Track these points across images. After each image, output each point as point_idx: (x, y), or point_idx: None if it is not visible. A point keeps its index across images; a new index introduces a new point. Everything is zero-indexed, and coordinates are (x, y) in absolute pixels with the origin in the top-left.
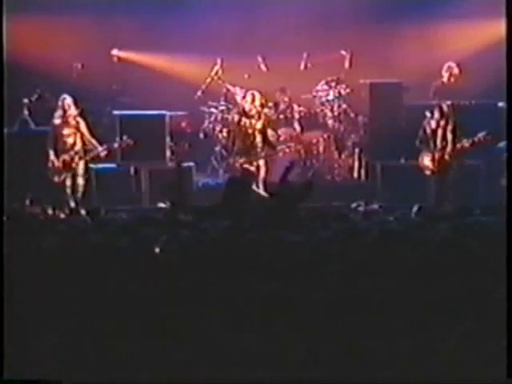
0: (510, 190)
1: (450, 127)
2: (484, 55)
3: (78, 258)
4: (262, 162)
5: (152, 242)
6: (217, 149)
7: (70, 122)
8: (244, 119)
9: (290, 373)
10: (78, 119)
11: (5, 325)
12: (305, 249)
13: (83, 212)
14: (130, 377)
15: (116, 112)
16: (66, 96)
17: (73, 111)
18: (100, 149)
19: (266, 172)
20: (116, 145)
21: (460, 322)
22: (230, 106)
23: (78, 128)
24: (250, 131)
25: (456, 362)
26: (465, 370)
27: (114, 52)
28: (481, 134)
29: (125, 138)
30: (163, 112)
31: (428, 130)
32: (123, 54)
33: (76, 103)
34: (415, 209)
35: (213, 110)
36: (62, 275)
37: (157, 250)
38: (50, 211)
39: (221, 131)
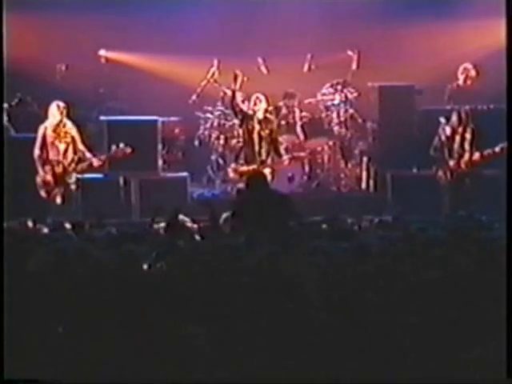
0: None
1: (467, 134)
2: (503, 56)
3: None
4: (267, 171)
5: (142, 259)
6: (213, 157)
7: (62, 130)
8: (249, 124)
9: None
10: (71, 126)
11: (5, 325)
12: (308, 266)
13: (67, 226)
14: (130, 377)
15: (103, 118)
16: (57, 101)
17: (65, 118)
18: (92, 157)
19: (272, 181)
20: (112, 152)
21: (460, 323)
22: (227, 111)
23: (71, 136)
24: (254, 137)
25: (456, 362)
26: (465, 370)
27: (102, 52)
28: (500, 146)
29: (121, 145)
30: (155, 118)
31: (443, 138)
32: (111, 55)
33: (68, 109)
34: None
35: (209, 115)
36: (54, 283)
37: (145, 266)
38: (30, 224)
39: (217, 138)
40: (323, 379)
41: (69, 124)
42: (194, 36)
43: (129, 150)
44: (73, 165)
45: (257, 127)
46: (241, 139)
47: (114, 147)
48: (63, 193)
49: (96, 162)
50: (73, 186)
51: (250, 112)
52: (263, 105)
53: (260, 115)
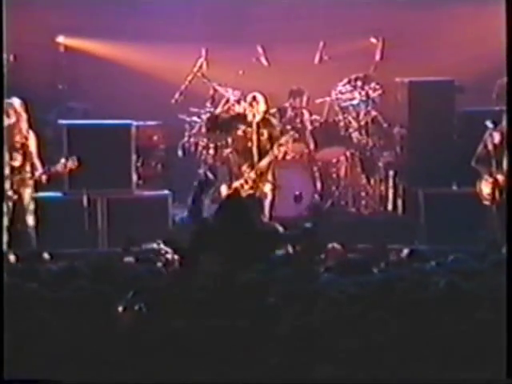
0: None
1: None
2: None
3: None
4: (268, 188)
5: (111, 299)
6: (200, 171)
7: (16, 136)
8: (244, 130)
9: None
10: (28, 133)
11: (5, 325)
12: (326, 303)
13: (13, 257)
14: (130, 377)
15: (63, 121)
16: (13, 100)
17: (23, 121)
18: (38, 172)
19: (273, 201)
20: (59, 167)
21: (461, 322)
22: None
23: (25, 144)
24: (250, 145)
25: (456, 362)
26: (465, 369)
27: (60, 39)
28: None
29: (73, 158)
30: (128, 121)
31: (490, 146)
32: (72, 42)
33: (27, 109)
34: (405, 252)
35: (195, 118)
36: None
37: (120, 309)
38: None
39: (206, 147)
40: None
41: (24, 129)
42: (178, 20)
43: (75, 163)
44: (26, 180)
45: (255, 134)
46: (238, 148)
47: (62, 160)
48: (12, 216)
49: (42, 178)
50: (25, 208)
51: (248, 116)
52: (261, 107)
53: (257, 118)
